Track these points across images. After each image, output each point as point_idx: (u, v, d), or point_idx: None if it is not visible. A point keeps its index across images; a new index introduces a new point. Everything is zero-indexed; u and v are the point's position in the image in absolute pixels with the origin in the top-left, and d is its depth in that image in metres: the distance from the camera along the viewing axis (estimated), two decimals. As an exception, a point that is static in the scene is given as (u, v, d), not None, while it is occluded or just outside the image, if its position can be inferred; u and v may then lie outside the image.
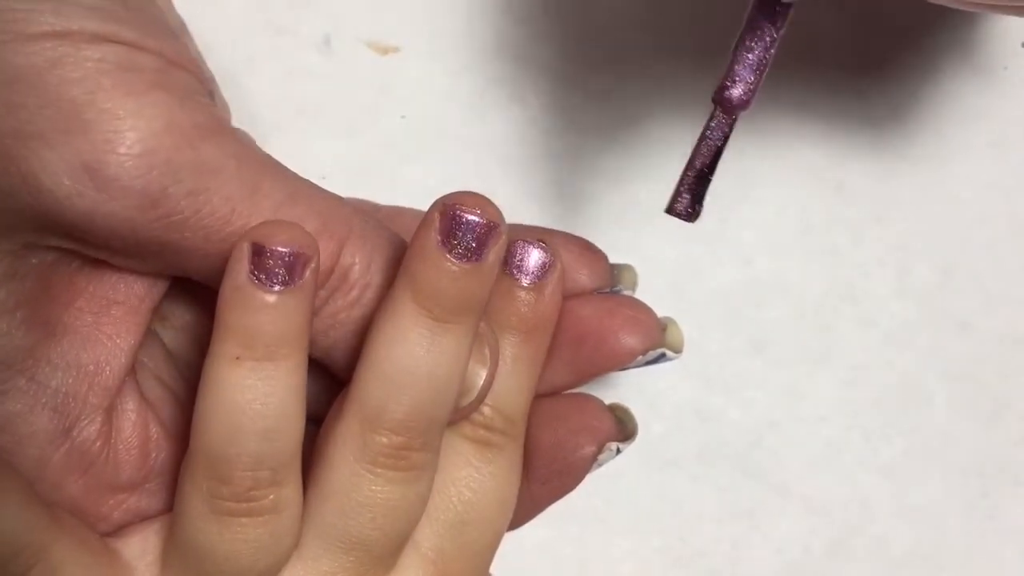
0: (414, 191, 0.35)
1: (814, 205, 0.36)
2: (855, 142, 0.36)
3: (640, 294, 0.36)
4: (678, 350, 0.31)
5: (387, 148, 0.35)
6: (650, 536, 0.37)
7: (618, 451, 0.30)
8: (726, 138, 0.26)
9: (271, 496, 0.25)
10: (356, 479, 0.26)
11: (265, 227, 0.25)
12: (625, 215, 0.36)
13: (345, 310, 0.27)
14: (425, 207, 0.35)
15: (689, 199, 0.26)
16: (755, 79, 0.26)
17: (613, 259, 0.36)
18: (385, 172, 0.35)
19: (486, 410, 0.28)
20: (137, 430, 0.27)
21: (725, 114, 0.26)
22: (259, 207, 0.25)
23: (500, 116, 0.35)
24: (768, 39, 0.25)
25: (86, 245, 0.25)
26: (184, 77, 0.26)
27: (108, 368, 0.27)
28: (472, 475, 0.28)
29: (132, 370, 0.28)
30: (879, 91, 0.36)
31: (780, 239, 0.36)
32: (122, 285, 0.27)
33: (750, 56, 0.25)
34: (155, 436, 0.28)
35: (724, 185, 0.36)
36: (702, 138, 0.26)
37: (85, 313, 0.26)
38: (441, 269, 0.25)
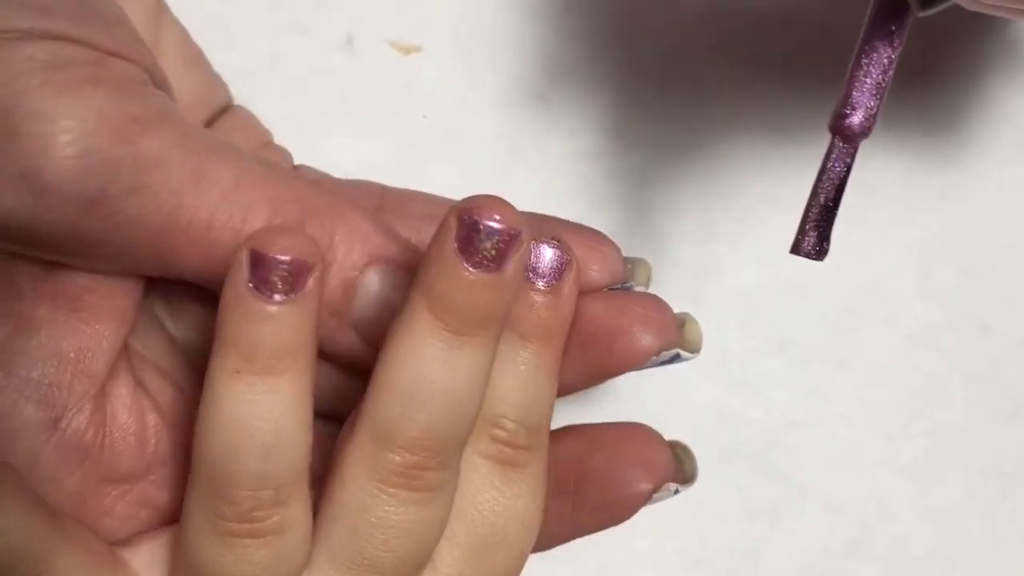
0: (435, 191, 0.35)
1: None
2: (879, 142, 0.36)
3: (661, 294, 0.36)
4: (695, 349, 0.29)
5: (409, 148, 0.35)
6: (669, 537, 0.37)
7: (676, 492, 0.29)
8: (849, 168, 0.25)
9: (275, 517, 0.25)
10: (368, 499, 0.25)
11: (265, 233, 0.24)
12: (647, 215, 0.36)
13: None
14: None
15: (816, 236, 0.25)
16: (875, 103, 0.24)
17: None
18: (407, 172, 0.35)
19: (508, 424, 0.26)
20: (133, 416, 0.26)
21: (846, 143, 0.25)
22: (206, 196, 0.24)
23: (522, 116, 0.35)
24: (886, 60, 0.24)
25: (38, 251, 0.24)
26: (122, 67, 0.24)
27: (91, 354, 0.25)
28: (495, 498, 0.26)
29: (124, 357, 0.27)
30: (903, 92, 0.36)
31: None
32: (93, 276, 0.25)
33: (868, 80, 0.24)
34: (153, 423, 0.27)
35: (745, 184, 0.36)
36: (823, 171, 0.25)
37: (60, 304, 0.25)
38: (459, 279, 0.24)
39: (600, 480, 0.28)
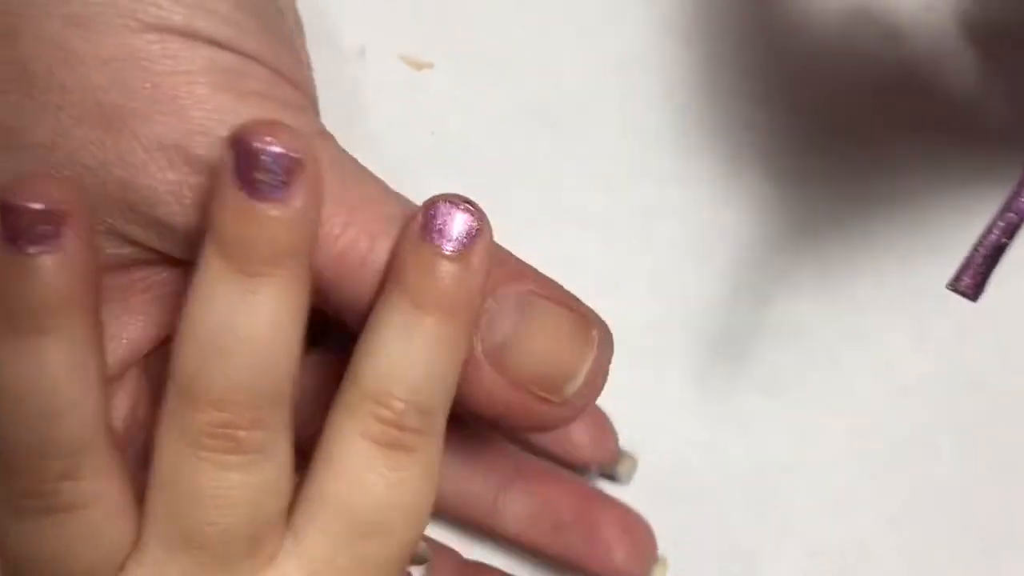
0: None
1: (835, 249, 0.36)
2: (881, 189, 0.36)
3: (656, 331, 0.36)
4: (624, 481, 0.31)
5: (414, 162, 0.35)
6: (648, 569, 0.37)
7: None
8: None
9: (65, 492, 0.23)
10: (182, 465, 0.23)
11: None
12: (647, 248, 0.36)
13: None
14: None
15: (977, 278, 0.24)
16: None
17: (631, 288, 0.36)
18: (410, 187, 0.35)
19: (397, 404, 0.24)
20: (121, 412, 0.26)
21: None
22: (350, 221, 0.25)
23: (530, 139, 0.35)
24: None
25: (163, 233, 0.24)
26: (291, 93, 0.26)
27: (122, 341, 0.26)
28: (377, 484, 0.24)
29: (140, 371, 0.27)
30: (906, 140, 0.36)
31: (798, 281, 0.36)
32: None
33: None
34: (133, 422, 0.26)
35: (743, 224, 0.36)
36: (1005, 208, 0.23)
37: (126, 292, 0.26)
38: (240, 212, 0.22)
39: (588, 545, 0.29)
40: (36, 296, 0.21)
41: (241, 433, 0.23)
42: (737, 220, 0.36)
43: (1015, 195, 0.23)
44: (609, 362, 0.26)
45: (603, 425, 0.33)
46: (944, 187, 0.37)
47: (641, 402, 0.36)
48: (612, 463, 0.34)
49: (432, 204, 0.24)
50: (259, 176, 0.22)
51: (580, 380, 0.25)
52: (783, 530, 0.36)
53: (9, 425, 0.22)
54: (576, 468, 0.34)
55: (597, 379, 0.26)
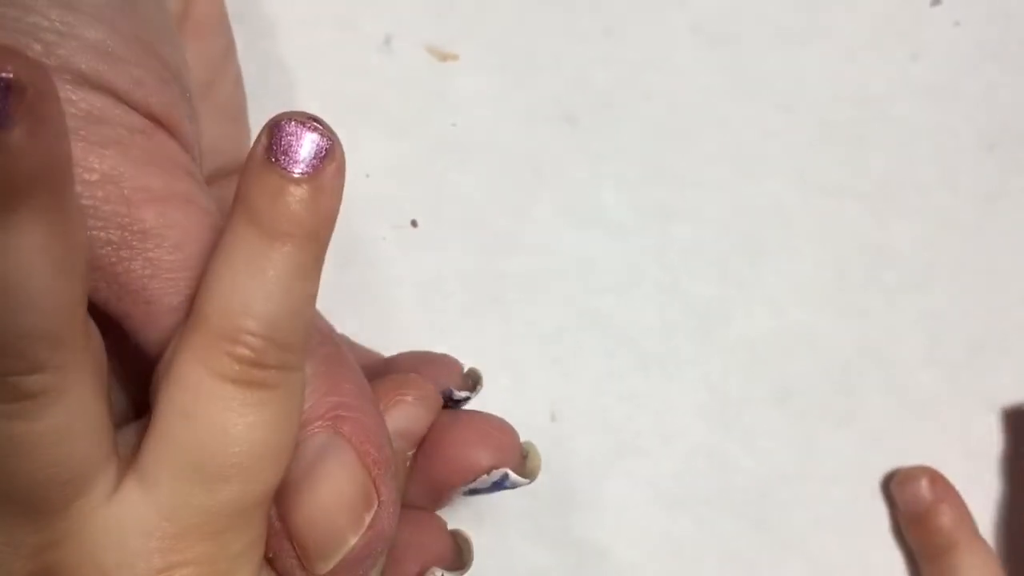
0: (455, 199, 0.35)
1: (853, 263, 0.36)
2: (902, 205, 0.36)
3: (669, 332, 0.36)
4: (531, 476, 0.28)
5: (434, 153, 0.35)
6: (648, 575, 0.37)
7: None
8: None
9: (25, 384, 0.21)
10: None
11: None
12: (661, 250, 0.36)
13: None
14: (465, 214, 0.35)
15: None
16: None
17: (647, 294, 0.36)
18: (428, 177, 0.35)
19: (253, 341, 0.22)
20: None
21: None
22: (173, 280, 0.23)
23: (550, 135, 0.35)
24: None
25: None
26: (160, 142, 0.24)
27: None
28: (237, 423, 0.22)
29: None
30: (931, 155, 0.36)
31: (815, 293, 0.36)
32: None
33: None
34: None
35: (765, 233, 0.36)
36: None
37: None
38: None
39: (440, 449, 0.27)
40: (4, 168, 0.19)
41: (11, 379, 0.20)
42: (761, 233, 0.36)
43: None
44: (380, 547, 0.25)
45: (501, 429, 0.30)
46: (967, 202, 0.37)
47: (649, 406, 0.35)
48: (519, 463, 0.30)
49: (276, 124, 0.22)
50: None
51: (334, 560, 0.24)
52: (785, 543, 0.36)
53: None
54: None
55: (354, 566, 0.24)
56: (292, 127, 0.22)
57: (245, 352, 0.22)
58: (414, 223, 0.35)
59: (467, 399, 0.29)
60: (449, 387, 0.29)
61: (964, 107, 0.37)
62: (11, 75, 0.19)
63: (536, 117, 0.35)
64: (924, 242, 0.36)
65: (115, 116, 0.23)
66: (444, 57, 0.35)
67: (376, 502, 0.24)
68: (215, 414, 0.22)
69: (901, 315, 0.36)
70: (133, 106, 0.23)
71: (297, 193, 0.22)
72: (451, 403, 0.29)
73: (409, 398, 0.27)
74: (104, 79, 0.23)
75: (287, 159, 0.22)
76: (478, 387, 0.30)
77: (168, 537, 0.22)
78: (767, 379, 0.36)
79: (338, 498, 0.24)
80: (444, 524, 0.29)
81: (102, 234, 0.22)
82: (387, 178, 0.35)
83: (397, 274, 0.34)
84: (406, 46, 0.35)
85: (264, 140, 0.22)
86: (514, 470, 0.28)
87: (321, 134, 0.22)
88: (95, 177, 0.22)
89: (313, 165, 0.22)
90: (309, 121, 0.22)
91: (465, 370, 0.30)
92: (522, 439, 0.28)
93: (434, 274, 0.34)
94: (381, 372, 0.29)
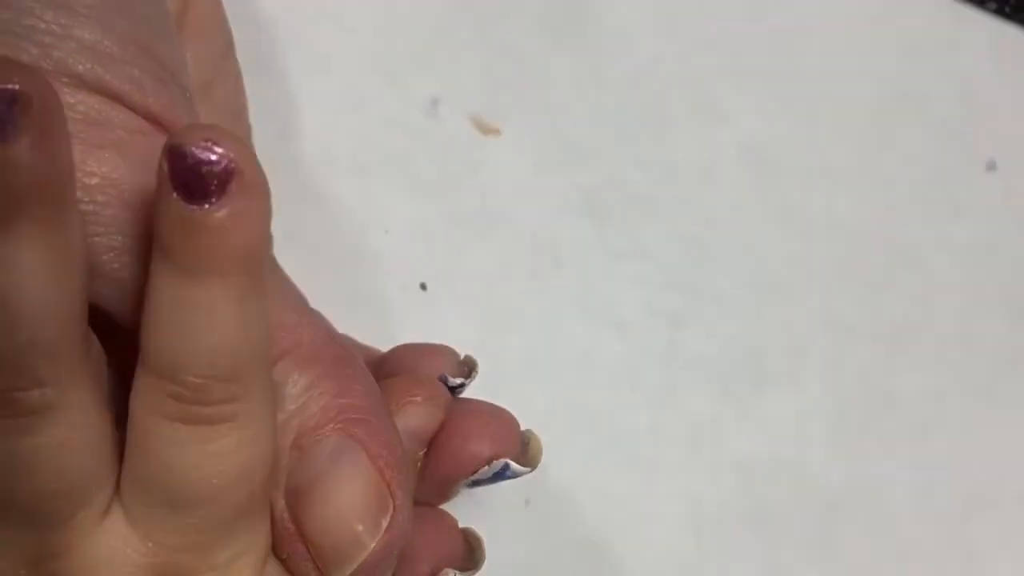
0: (468, 269, 0.35)
1: (856, 405, 0.36)
2: (915, 355, 0.36)
3: (659, 438, 0.35)
4: (532, 465, 0.27)
5: (457, 222, 0.35)
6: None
7: None
8: None
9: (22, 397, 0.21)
10: None
11: None
12: (666, 359, 0.35)
13: None
14: (475, 287, 0.35)
15: None
16: None
17: (643, 398, 0.35)
18: (447, 243, 0.35)
19: (192, 380, 0.21)
20: None
21: None
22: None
23: (575, 227, 0.36)
24: None
25: None
26: (156, 142, 0.23)
27: None
28: (190, 461, 0.22)
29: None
30: (953, 311, 0.36)
31: (812, 427, 0.36)
32: None
33: None
34: None
35: (772, 359, 0.36)
36: None
37: None
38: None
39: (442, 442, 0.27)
40: (6, 182, 0.19)
41: (11, 394, 0.20)
42: (767, 360, 0.36)
43: None
44: (397, 549, 0.25)
45: (501, 419, 0.29)
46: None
47: (626, 508, 0.35)
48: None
49: (170, 150, 0.20)
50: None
51: (352, 566, 0.24)
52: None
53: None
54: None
55: (371, 570, 0.24)
56: (187, 151, 0.20)
57: (184, 392, 0.21)
58: (423, 286, 0.35)
59: (462, 386, 0.29)
60: (444, 374, 0.29)
61: (998, 273, 0.36)
62: (17, 87, 0.19)
63: (565, 205, 0.36)
64: (931, 396, 0.36)
65: (114, 118, 0.22)
66: (486, 130, 0.36)
67: (392, 506, 0.24)
68: (163, 452, 0.22)
69: (896, 463, 0.36)
70: (131, 107, 0.23)
71: (206, 224, 0.20)
72: (447, 389, 0.29)
73: (419, 398, 0.27)
74: (102, 81, 0.22)
75: (189, 190, 0.20)
76: (473, 373, 0.29)
77: (150, 555, 0.23)
78: (749, 502, 0.36)
79: (354, 503, 0.24)
80: (455, 522, 0.28)
81: (103, 240, 0.22)
82: (405, 237, 0.35)
83: (397, 334, 0.34)
84: (451, 112, 0.36)
85: (164, 168, 0.20)
86: (515, 459, 0.27)
87: (222, 154, 0.20)
88: (95, 181, 0.22)
89: (218, 191, 0.20)
90: (205, 141, 0.20)
91: (461, 357, 0.30)
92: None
93: (434, 340, 0.35)
94: (379, 367, 0.29)
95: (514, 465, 0.27)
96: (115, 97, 0.23)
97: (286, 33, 0.36)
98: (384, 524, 0.24)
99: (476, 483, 0.28)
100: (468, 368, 0.30)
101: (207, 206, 0.20)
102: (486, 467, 0.27)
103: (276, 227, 0.34)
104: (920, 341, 0.36)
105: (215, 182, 0.20)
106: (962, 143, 0.37)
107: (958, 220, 0.36)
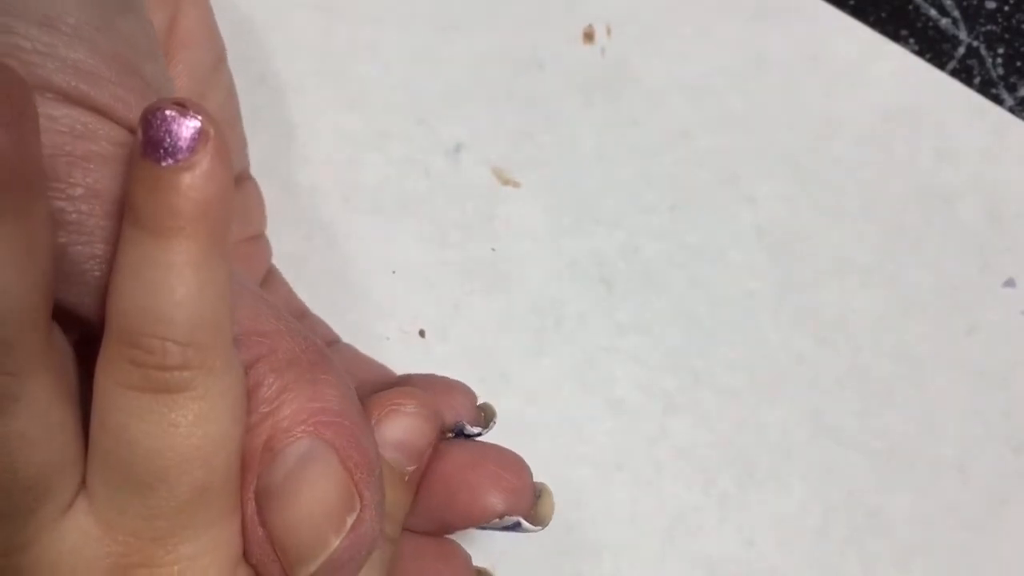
0: (469, 322, 0.34)
1: (840, 519, 0.35)
2: (908, 476, 0.35)
3: (635, 524, 0.34)
4: (543, 523, 0.27)
5: (465, 272, 0.35)
6: None
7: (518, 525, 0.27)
8: None
9: None
10: None
11: None
12: (654, 443, 0.35)
13: None
14: (473, 341, 0.34)
15: None
16: None
17: (624, 480, 0.35)
18: (452, 293, 0.35)
19: (151, 343, 0.21)
20: None
21: None
22: None
23: (582, 291, 0.35)
24: None
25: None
26: None
27: None
28: (148, 432, 0.22)
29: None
30: (953, 436, 0.35)
31: (792, 535, 0.35)
32: None
33: None
34: None
35: (762, 458, 0.35)
36: None
37: None
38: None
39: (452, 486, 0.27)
40: None
41: None
42: (752, 456, 0.35)
43: None
44: (363, 550, 0.24)
45: (515, 470, 0.29)
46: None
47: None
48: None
49: (146, 114, 0.21)
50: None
51: (315, 563, 0.24)
52: None
53: None
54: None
55: (336, 569, 0.24)
56: (160, 115, 0.21)
57: (144, 356, 0.21)
58: (422, 333, 0.34)
59: (479, 435, 0.29)
60: (462, 421, 0.28)
61: (1005, 399, 0.35)
62: None
63: (575, 269, 0.35)
64: (919, 520, 0.35)
65: (98, 131, 0.22)
66: (506, 181, 0.35)
67: (358, 505, 0.24)
68: (123, 423, 0.22)
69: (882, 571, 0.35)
70: (116, 122, 0.23)
71: (173, 182, 0.21)
72: (462, 437, 0.29)
73: (408, 408, 0.27)
74: (86, 96, 0.22)
75: (159, 150, 0.21)
76: (491, 423, 0.29)
77: (113, 547, 0.22)
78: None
79: (319, 501, 0.23)
80: (469, 559, 0.28)
81: (87, 248, 0.22)
82: (411, 280, 0.34)
83: (386, 377, 0.34)
84: (473, 160, 0.35)
85: (139, 133, 0.21)
86: (526, 515, 0.27)
87: (194, 117, 0.21)
88: (79, 192, 0.22)
89: (187, 150, 0.21)
90: (176, 106, 0.21)
91: (479, 403, 0.30)
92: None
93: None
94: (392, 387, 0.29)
95: (525, 523, 0.27)
96: (100, 111, 0.23)
97: (322, 64, 0.35)
98: (349, 522, 0.23)
99: (485, 527, 0.28)
100: (486, 417, 0.29)
101: (176, 163, 0.21)
102: (497, 519, 0.27)
103: (281, 249, 0.33)
104: (914, 461, 0.35)
105: (186, 142, 0.21)
106: (984, 255, 0.36)
107: (970, 337, 0.36)
